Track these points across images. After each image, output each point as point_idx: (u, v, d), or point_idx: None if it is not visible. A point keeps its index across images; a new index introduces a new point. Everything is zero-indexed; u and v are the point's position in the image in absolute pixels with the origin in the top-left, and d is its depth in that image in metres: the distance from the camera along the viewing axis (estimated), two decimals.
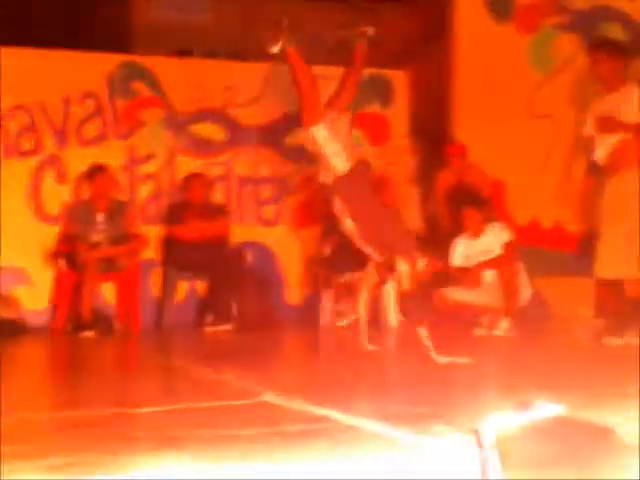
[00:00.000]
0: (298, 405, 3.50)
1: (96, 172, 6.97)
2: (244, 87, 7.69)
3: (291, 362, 5.18)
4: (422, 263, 4.49)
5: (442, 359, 4.30)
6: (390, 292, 6.10)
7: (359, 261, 6.14)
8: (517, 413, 1.75)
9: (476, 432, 1.79)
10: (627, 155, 5.20)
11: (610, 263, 5.26)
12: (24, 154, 7.20)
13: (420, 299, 4.55)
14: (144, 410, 3.59)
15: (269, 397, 3.72)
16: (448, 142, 7.35)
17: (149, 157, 7.48)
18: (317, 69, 7.69)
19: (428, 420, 2.88)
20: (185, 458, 2.88)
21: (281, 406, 3.55)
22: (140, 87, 7.52)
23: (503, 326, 5.84)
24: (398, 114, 7.88)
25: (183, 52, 9.55)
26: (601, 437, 1.71)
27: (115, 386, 4.49)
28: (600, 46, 5.43)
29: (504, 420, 1.74)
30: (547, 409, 1.74)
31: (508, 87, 7.63)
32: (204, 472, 2.66)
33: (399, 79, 7.94)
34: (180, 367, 4.76)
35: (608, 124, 5.23)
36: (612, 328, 5.33)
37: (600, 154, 5.35)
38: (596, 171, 5.44)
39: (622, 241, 5.17)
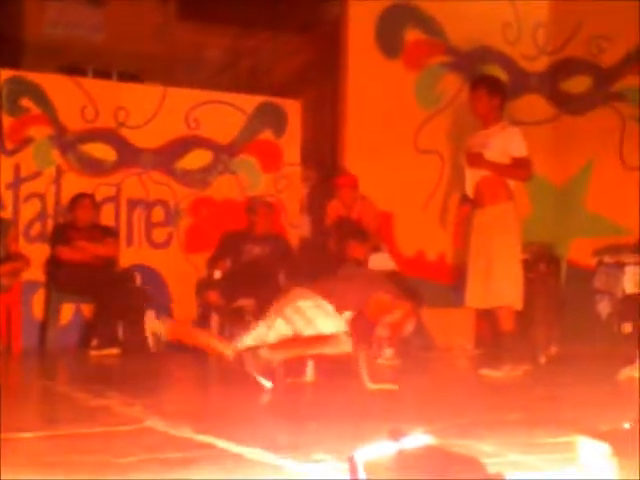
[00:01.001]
0: (182, 432, 3.51)
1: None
2: (137, 108, 7.65)
3: (177, 388, 5.16)
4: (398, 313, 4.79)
5: (372, 386, 4.48)
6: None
7: (250, 287, 6.21)
8: (389, 442, 1.84)
9: (350, 460, 1.88)
10: (491, 190, 5.47)
11: (475, 293, 5.51)
12: None
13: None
14: (23, 435, 3.53)
15: (153, 423, 3.72)
16: (338, 172, 7.52)
17: (36, 175, 7.32)
18: (203, 93, 7.86)
19: (309, 448, 2.96)
20: None
21: (165, 432, 3.55)
22: (29, 103, 7.37)
23: (387, 355, 5.98)
24: (291, 142, 8.00)
25: (75, 70, 9.42)
26: (468, 467, 1.82)
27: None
28: (480, 83, 5.70)
29: (376, 448, 1.83)
30: (418, 439, 1.84)
31: (395, 121, 7.87)
32: None
33: (292, 108, 8.07)
34: (62, 391, 4.68)
35: (474, 159, 5.50)
36: (489, 360, 5.56)
37: (468, 187, 5.62)
38: (468, 203, 5.70)
39: (484, 272, 5.42)
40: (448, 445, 2.05)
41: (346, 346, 4.65)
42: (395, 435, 1.87)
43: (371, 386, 4.53)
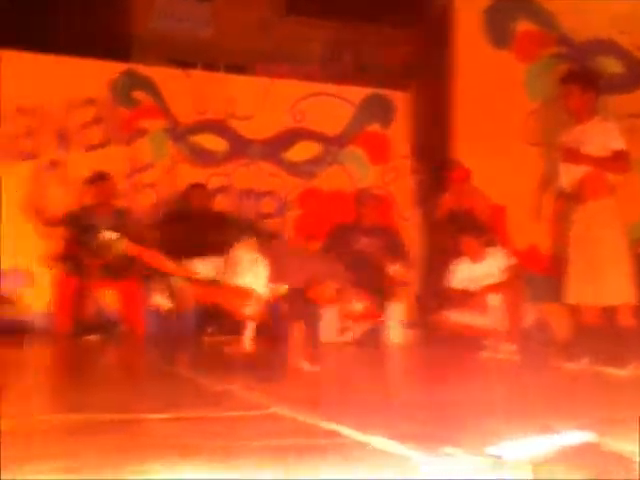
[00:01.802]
0: (307, 419, 3.54)
1: (98, 179, 7.01)
2: (245, 100, 7.77)
3: (299, 375, 5.21)
4: (358, 305, 4.76)
5: (300, 364, 4.54)
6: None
7: (359, 280, 6.20)
8: (543, 439, 1.80)
9: (496, 456, 1.84)
10: (593, 186, 5.34)
11: (579, 290, 5.38)
12: (27, 157, 7.22)
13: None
14: (152, 417, 3.62)
15: (278, 409, 3.76)
16: (450, 165, 7.45)
17: (151, 165, 7.53)
18: (309, 85, 7.90)
19: (436, 439, 2.94)
20: (196, 467, 2.92)
21: (290, 419, 3.58)
22: (142, 96, 7.57)
23: (507, 349, 5.90)
24: (399, 134, 7.98)
25: (183, 63, 9.61)
26: (626, 465, 1.78)
27: (121, 391, 4.50)
28: (572, 78, 5.57)
29: (530, 445, 1.79)
30: (577, 436, 1.80)
31: (505, 112, 7.75)
32: None
33: (401, 99, 8.05)
34: (185, 376, 4.79)
35: (571, 155, 5.38)
36: (568, 353, 5.44)
37: (565, 183, 5.50)
38: (564, 198, 5.58)
39: (588, 269, 5.30)
40: (605, 443, 2.01)
41: (248, 309, 4.63)
42: (549, 431, 1.84)
43: (297, 363, 4.53)
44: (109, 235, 4.82)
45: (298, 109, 7.85)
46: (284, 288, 4.75)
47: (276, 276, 4.65)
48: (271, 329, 4.89)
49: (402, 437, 3.07)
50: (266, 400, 3.96)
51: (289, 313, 4.74)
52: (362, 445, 3.05)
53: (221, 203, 7.60)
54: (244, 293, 4.62)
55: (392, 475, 2.48)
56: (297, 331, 4.62)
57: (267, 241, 5.07)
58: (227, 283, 4.66)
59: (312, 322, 4.75)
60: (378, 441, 3.07)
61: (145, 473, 2.73)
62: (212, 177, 7.62)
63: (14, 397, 3.59)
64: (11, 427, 2.92)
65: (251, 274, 4.62)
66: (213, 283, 4.73)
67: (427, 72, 8.20)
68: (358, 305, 4.84)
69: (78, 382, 4.46)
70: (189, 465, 2.89)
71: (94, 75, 7.44)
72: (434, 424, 3.32)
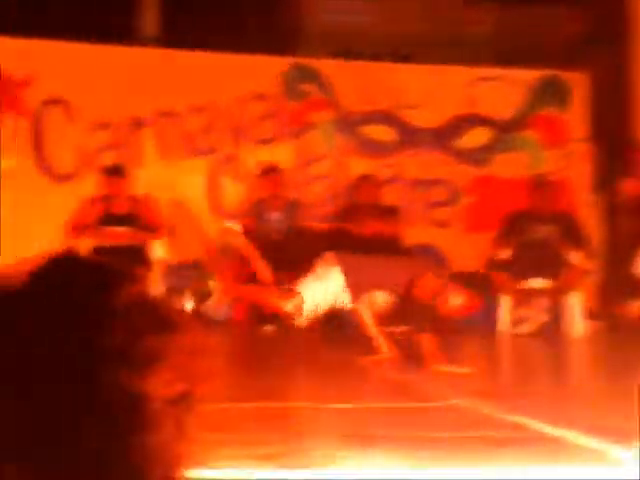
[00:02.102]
0: (491, 411, 3.45)
1: (270, 172, 7.13)
2: (413, 89, 7.69)
3: (476, 367, 5.11)
4: (457, 299, 4.79)
5: (440, 368, 4.48)
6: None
7: (540, 267, 6.00)
8: None
9: None
10: None
11: None
12: (202, 153, 7.46)
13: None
14: (334, 406, 3.62)
15: (460, 401, 3.69)
16: (633, 147, 7.07)
17: (321, 157, 7.60)
18: (479, 70, 7.68)
19: (631, 434, 2.78)
20: (379, 457, 2.88)
21: (473, 410, 3.50)
22: (311, 89, 7.65)
23: None
24: (577, 117, 7.65)
25: (348, 54, 9.63)
26: None
27: (302, 380, 4.54)
28: None
29: None
30: None
31: None
32: (401, 473, 2.65)
33: (577, 80, 7.71)
34: (357, 365, 4.80)
35: None
36: None
37: None
38: None
39: None
40: None
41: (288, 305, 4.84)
42: None
43: (438, 368, 4.48)
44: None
45: (468, 95, 7.69)
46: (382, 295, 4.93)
47: (362, 286, 4.84)
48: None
49: (594, 430, 2.93)
50: (447, 391, 3.89)
51: (416, 326, 4.79)
52: (553, 439, 2.93)
53: (390, 194, 7.56)
54: (283, 292, 4.94)
55: (595, 472, 2.37)
56: (426, 342, 4.65)
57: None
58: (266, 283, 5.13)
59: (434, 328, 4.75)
60: (570, 435, 2.94)
61: (331, 462, 2.72)
62: (381, 168, 7.60)
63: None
64: (208, 413, 3.01)
65: (319, 283, 4.86)
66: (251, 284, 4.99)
67: (605, 49, 7.80)
68: (457, 298, 4.86)
69: (259, 371, 4.55)
70: (373, 455, 2.87)
71: (264, 70, 7.59)
72: (623, 417, 3.16)
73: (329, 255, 5.07)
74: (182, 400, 0.72)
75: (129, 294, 0.72)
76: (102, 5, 9.77)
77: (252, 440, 2.71)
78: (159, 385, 0.70)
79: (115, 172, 6.72)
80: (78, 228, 6.60)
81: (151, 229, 6.76)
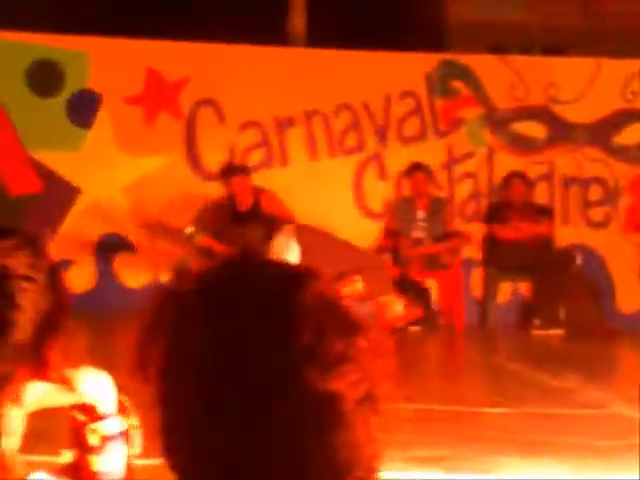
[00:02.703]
0: None
1: (416, 170, 7.05)
2: (568, 83, 7.40)
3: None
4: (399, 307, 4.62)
5: None
6: None
7: None
8: None
9: None
10: None
11: None
12: (349, 152, 7.45)
13: None
14: (490, 410, 3.53)
15: (619, 409, 3.52)
16: None
17: (468, 155, 7.44)
18: None
19: None
20: (541, 465, 2.77)
21: (633, 419, 3.33)
22: (459, 85, 7.50)
23: None
24: None
25: (498, 48, 9.40)
26: None
27: (448, 383, 4.46)
28: None
29: None
30: None
31: None
32: None
33: None
34: (512, 369, 4.66)
35: None
36: None
37: None
38: None
39: None
40: None
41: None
42: None
43: None
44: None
45: (630, 89, 7.33)
46: None
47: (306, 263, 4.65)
48: None
49: None
50: (606, 398, 3.71)
51: None
52: None
53: (542, 192, 7.30)
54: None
55: None
56: None
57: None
58: None
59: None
60: None
61: (492, 468, 2.65)
62: (532, 165, 7.35)
63: None
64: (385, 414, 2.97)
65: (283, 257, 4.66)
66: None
67: None
68: (398, 307, 4.67)
69: (406, 373, 4.49)
70: (534, 462, 2.77)
71: (411, 68, 7.50)
72: None
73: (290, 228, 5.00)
74: (367, 401, 0.72)
75: (315, 294, 0.72)
76: (251, 7, 9.98)
77: (414, 442, 2.65)
78: (347, 386, 0.70)
79: (238, 171, 6.77)
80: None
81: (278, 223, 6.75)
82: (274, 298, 0.71)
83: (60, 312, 0.94)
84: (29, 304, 0.90)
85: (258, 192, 6.70)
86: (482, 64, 7.61)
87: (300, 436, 0.68)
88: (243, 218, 6.67)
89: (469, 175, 7.44)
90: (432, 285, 6.90)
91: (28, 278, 0.90)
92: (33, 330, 0.90)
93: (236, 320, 0.70)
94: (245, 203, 6.69)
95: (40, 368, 0.93)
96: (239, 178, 6.65)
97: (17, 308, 0.89)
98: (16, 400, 0.93)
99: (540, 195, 7.27)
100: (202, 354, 0.69)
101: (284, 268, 0.75)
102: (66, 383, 0.99)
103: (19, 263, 0.90)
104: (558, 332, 6.20)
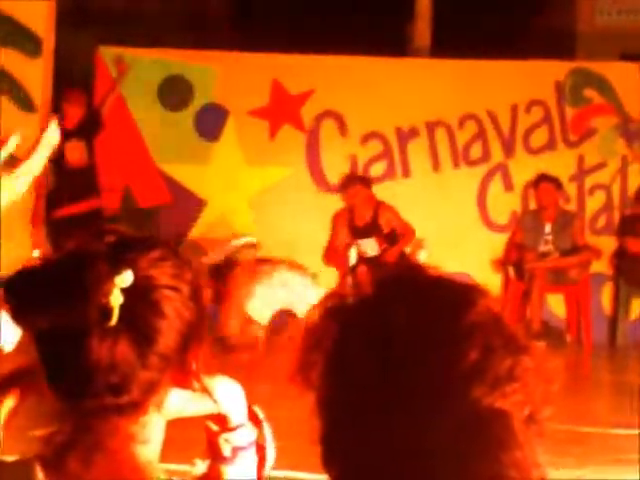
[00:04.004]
0: None
1: (543, 181, 6.84)
2: None
3: None
4: None
5: None
6: None
7: None
8: None
9: None
10: None
11: None
12: (473, 163, 7.31)
13: None
14: (621, 432, 3.36)
15: None
16: None
17: (600, 166, 7.16)
18: None
19: None
20: None
21: None
22: (592, 94, 7.24)
23: None
24: None
25: (630, 56, 9.03)
26: None
27: (576, 402, 4.27)
28: None
29: None
30: None
31: None
32: None
33: None
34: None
35: None
36: None
37: None
38: None
39: None
40: None
41: None
42: None
43: None
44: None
45: None
46: None
47: None
48: None
49: None
50: None
51: None
52: None
53: None
54: None
55: None
56: None
57: None
58: None
59: None
60: None
61: None
62: None
63: None
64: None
65: None
66: None
67: None
68: None
69: None
70: None
71: (540, 76, 7.29)
72: None
73: None
74: (531, 423, 0.71)
75: (483, 311, 0.72)
76: (374, 17, 9.98)
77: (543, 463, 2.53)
78: (512, 405, 0.70)
79: (358, 182, 6.71)
80: (333, 257, 6.72)
81: (402, 237, 6.67)
82: (444, 314, 0.72)
83: (202, 322, 0.96)
84: (174, 313, 0.93)
85: (378, 205, 6.63)
86: (616, 72, 7.34)
87: (466, 454, 0.68)
88: (361, 231, 6.64)
89: (601, 187, 7.16)
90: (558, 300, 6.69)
91: (173, 288, 0.94)
92: (177, 338, 0.93)
93: (403, 334, 0.70)
94: (363, 216, 6.64)
95: (183, 376, 0.96)
96: (358, 188, 6.62)
97: (162, 316, 0.92)
98: (159, 407, 0.95)
99: None
100: (366, 364, 0.70)
101: (453, 284, 0.75)
102: (206, 392, 1.01)
103: (164, 273, 0.94)
104: None
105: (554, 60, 7.59)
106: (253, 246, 6.41)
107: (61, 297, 0.90)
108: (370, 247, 6.59)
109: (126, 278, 0.90)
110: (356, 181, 6.73)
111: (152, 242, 0.97)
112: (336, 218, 6.74)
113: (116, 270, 0.90)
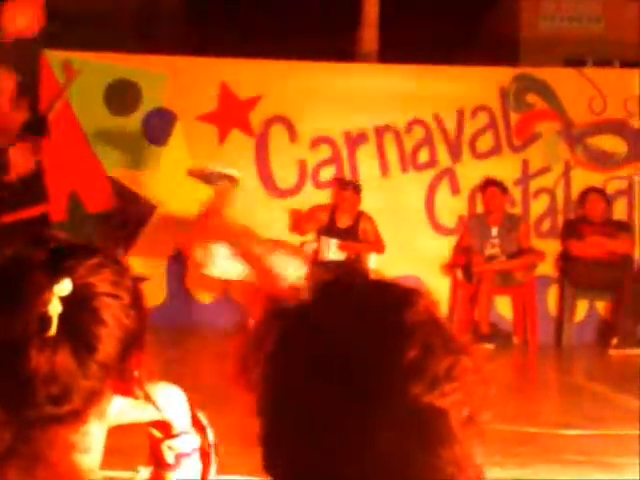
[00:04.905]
0: None
1: (490, 185, 6.93)
2: None
3: None
4: None
5: None
6: None
7: None
8: None
9: None
10: None
11: None
12: (421, 167, 7.38)
13: None
14: (568, 432, 3.43)
15: None
16: None
17: (544, 170, 7.28)
18: None
19: None
20: None
21: None
22: (535, 99, 7.37)
23: None
24: None
25: (573, 62, 9.22)
26: None
27: (523, 403, 4.35)
28: None
29: None
30: None
31: None
32: None
33: None
34: (590, 389, 4.51)
35: None
36: None
37: None
38: None
39: None
40: None
41: None
42: None
43: None
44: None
45: None
46: None
47: None
48: None
49: None
50: None
51: None
52: None
53: (621, 208, 7.10)
54: None
55: None
56: None
57: None
58: None
59: None
60: None
61: None
62: (611, 180, 7.16)
63: None
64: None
65: None
66: None
67: None
68: None
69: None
70: None
71: (485, 82, 7.40)
72: None
73: None
74: (470, 423, 0.72)
75: (422, 311, 0.73)
76: (321, 22, 10.03)
77: (487, 464, 2.57)
78: (451, 404, 0.70)
79: (351, 187, 6.78)
80: (301, 230, 6.78)
81: (371, 243, 6.76)
82: (383, 315, 0.72)
83: (142, 329, 0.96)
84: (114, 321, 0.92)
85: (360, 214, 6.71)
86: (559, 77, 7.48)
87: (404, 451, 0.68)
88: (338, 234, 6.71)
89: (545, 191, 7.28)
90: (505, 302, 6.79)
91: (113, 295, 0.93)
92: (118, 346, 0.92)
93: (344, 336, 0.71)
94: (345, 220, 6.72)
95: (125, 384, 0.95)
96: (350, 193, 6.67)
97: (103, 324, 0.91)
98: (100, 416, 0.94)
99: (619, 211, 7.07)
100: (307, 366, 0.70)
101: (392, 286, 0.77)
102: (148, 399, 1.00)
103: (104, 280, 0.93)
104: (637, 351, 6.01)
105: (498, 66, 7.70)
106: (234, 180, 6.38)
107: None
108: (332, 248, 6.65)
109: (65, 287, 0.89)
110: (349, 185, 6.78)
111: (91, 249, 0.96)
112: (317, 207, 6.80)
113: (55, 279, 0.89)
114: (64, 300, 0.89)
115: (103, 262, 0.95)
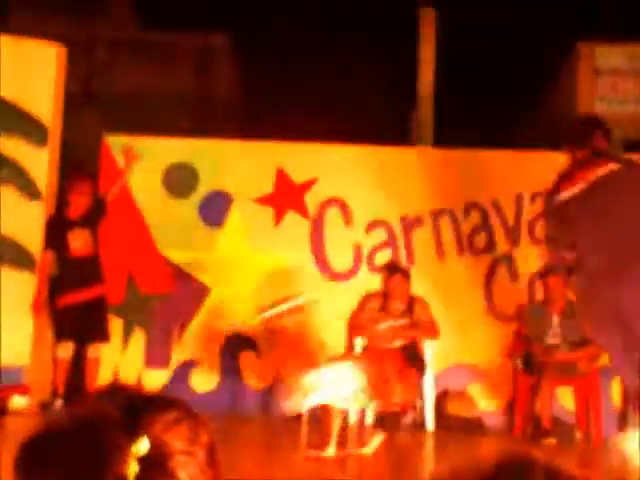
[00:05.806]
0: None
1: (550, 273, 6.77)
2: None
3: None
4: None
5: None
6: None
7: None
8: None
9: None
10: None
11: None
12: (478, 252, 7.28)
13: None
14: None
15: None
16: None
17: None
18: None
19: None
20: None
21: None
22: None
23: None
24: None
25: (633, 145, 9.09)
26: None
27: None
28: None
29: None
30: None
31: None
32: None
33: None
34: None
35: None
36: None
37: None
38: None
39: None
40: None
41: None
42: None
43: None
44: None
45: None
46: None
47: None
48: None
49: None
50: None
51: None
52: None
53: None
54: None
55: None
56: None
57: None
58: None
59: None
60: None
61: None
62: None
63: None
64: None
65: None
66: None
67: None
68: None
69: None
70: None
71: (542, 166, 7.31)
72: None
73: None
74: None
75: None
76: (376, 106, 10.10)
77: None
78: None
79: (399, 273, 6.66)
80: (357, 327, 6.60)
81: (425, 328, 6.61)
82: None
83: None
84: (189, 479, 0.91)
85: (413, 299, 6.57)
86: None
87: None
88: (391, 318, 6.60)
89: None
90: (567, 394, 6.56)
91: (188, 453, 0.92)
92: None
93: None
94: (398, 305, 6.59)
95: None
96: (399, 278, 6.56)
97: None
98: None
99: None
100: None
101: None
102: None
103: (179, 438, 0.92)
104: None
105: (555, 150, 7.62)
106: (300, 309, 6.34)
107: (77, 467, 0.87)
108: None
109: (142, 447, 0.88)
110: (397, 271, 6.66)
111: (166, 403, 0.94)
112: (368, 297, 6.65)
113: (132, 438, 0.88)
114: (140, 459, 0.88)
115: (179, 417, 0.93)
